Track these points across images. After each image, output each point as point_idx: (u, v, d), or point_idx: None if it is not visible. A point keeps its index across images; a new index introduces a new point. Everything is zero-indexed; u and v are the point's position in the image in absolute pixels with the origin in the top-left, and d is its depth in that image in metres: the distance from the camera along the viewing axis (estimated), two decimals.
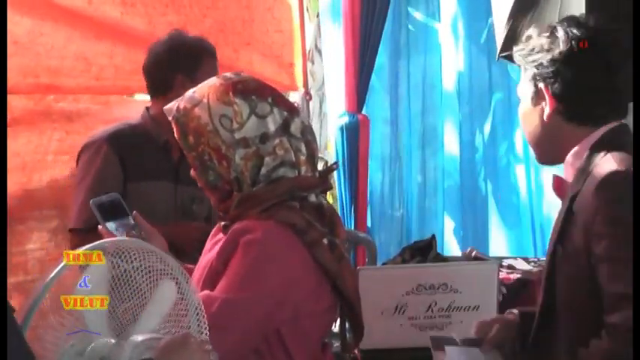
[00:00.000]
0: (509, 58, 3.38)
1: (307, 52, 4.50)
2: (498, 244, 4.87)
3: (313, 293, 1.83)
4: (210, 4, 4.03)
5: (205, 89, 1.88)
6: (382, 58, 4.69)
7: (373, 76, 4.52)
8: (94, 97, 3.64)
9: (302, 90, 4.34)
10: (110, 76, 3.60)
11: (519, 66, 2.10)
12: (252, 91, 1.86)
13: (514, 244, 4.85)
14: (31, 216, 3.43)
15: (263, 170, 1.83)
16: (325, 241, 1.82)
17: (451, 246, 4.87)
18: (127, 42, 3.63)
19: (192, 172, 1.92)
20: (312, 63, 4.79)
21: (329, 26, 4.74)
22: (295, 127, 1.86)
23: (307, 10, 4.55)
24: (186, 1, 3.96)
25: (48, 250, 3.47)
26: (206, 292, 1.79)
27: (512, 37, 3.25)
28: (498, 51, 3.38)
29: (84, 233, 2.82)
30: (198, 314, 1.59)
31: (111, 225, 1.85)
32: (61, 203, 3.40)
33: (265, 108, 1.84)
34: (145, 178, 2.97)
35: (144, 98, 4.19)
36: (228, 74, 1.92)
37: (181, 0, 3.94)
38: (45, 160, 3.44)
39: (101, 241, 1.57)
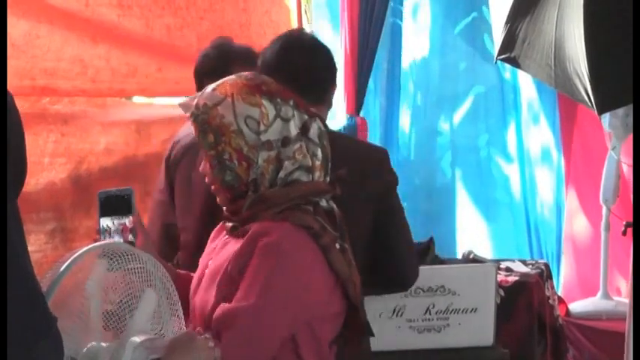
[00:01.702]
0: (508, 61, 3.39)
1: None
2: (472, 237, 4.85)
3: (327, 297, 1.82)
4: (207, 7, 4.02)
5: (227, 87, 1.83)
6: None
7: None
8: (90, 100, 3.62)
9: None
10: (106, 79, 3.58)
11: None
12: (276, 93, 1.84)
13: (496, 240, 4.86)
14: (28, 218, 3.40)
15: (281, 174, 1.81)
16: (337, 245, 1.81)
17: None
18: (123, 44, 3.62)
19: (201, 167, 1.87)
20: None
21: (327, 29, 4.74)
22: (313, 131, 1.85)
23: (305, 12, 4.54)
24: (183, 4, 3.95)
25: (45, 252, 3.45)
26: (223, 305, 1.74)
27: (510, 40, 3.26)
28: (496, 54, 3.38)
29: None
30: (172, 308, 1.57)
31: (106, 221, 1.78)
32: (57, 206, 3.39)
33: (289, 111, 1.83)
34: None
35: (140, 101, 4.20)
36: (247, 74, 1.88)
37: (178, 2, 3.93)
38: (41, 162, 3.42)
39: (100, 242, 1.56)
